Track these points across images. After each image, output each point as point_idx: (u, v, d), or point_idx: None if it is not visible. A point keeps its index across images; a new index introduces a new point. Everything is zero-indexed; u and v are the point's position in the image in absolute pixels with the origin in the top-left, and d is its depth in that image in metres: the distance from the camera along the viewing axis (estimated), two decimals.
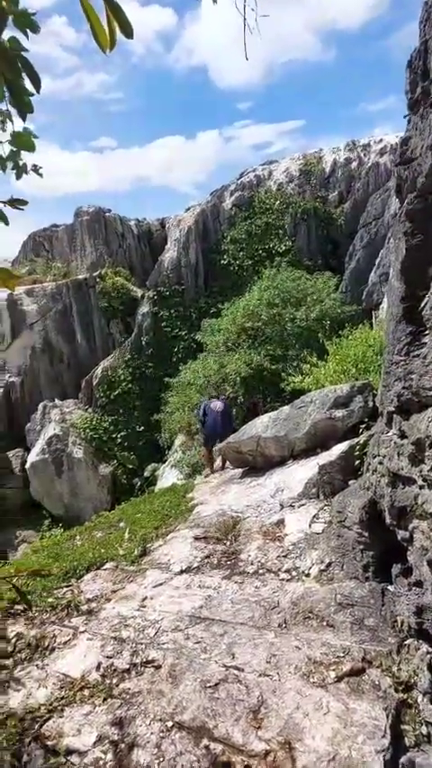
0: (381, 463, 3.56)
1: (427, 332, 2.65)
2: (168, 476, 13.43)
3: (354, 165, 22.62)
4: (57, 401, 17.54)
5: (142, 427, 16.98)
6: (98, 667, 3.34)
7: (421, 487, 3.03)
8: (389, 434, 3.39)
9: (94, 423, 16.77)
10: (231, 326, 13.74)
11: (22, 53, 1.82)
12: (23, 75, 1.77)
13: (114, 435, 16.85)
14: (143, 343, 19.17)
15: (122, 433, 16.93)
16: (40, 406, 17.13)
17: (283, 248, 20.31)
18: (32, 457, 15.41)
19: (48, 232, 25.94)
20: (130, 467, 16.19)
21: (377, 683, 2.90)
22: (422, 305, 2.73)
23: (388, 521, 3.53)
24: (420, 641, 3.06)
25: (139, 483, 15.38)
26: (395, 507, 3.35)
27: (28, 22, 2.02)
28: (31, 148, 2.21)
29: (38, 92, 1.77)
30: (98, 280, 20.68)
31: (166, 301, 20.04)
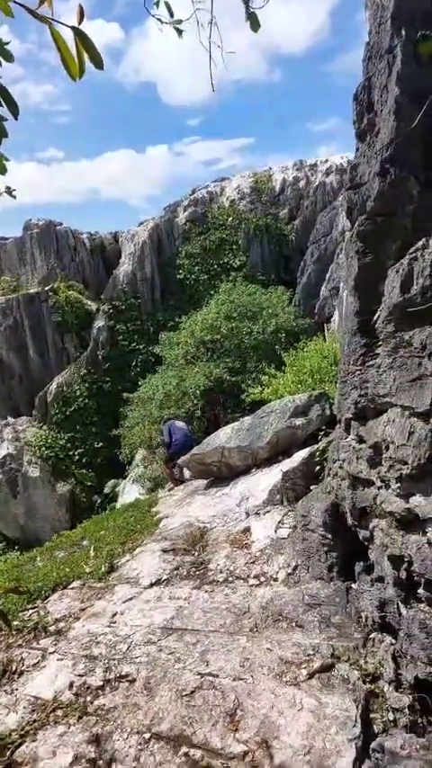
0: (341, 467, 3.76)
1: (380, 343, 2.87)
2: (130, 491, 13.26)
3: (302, 183, 23.59)
4: (9, 419, 16.95)
5: (101, 443, 16.69)
6: (71, 686, 3.29)
7: (379, 488, 3.24)
8: (347, 440, 3.60)
9: (49, 440, 16.32)
10: (190, 340, 13.87)
11: None
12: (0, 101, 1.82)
13: (72, 453, 16.46)
14: (99, 357, 18.94)
15: (80, 450, 16.57)
16: None
17: (238, 263, 20.80)
18: None
19: None
20: (89, 484, 15.84)
21: (346, 676, 3.05)
22: (374, 318, 2.96)
23: (350, 522, 3.72)
24: (384, 634, 3.24)
25: (99, 500, 15.07)
26: (356, 508, 3.55)
27: (2, 52, 2.09)
28: (2, 171, 2.24)
29: (15, 118, 1.82)
30: (50, 294, 20.31)
31: (122, 315, 19.95)
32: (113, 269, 21.97)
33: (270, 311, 13.95)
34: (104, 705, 3.12)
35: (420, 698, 2.85)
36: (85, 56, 1.62)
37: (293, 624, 3.58)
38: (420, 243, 2.46)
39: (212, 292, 16.97)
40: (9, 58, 2.14)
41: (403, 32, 2.92)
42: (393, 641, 3.14)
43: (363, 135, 3.08)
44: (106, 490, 15.22)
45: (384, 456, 2.93)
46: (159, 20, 2.67)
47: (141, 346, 19.03)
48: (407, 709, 2.82)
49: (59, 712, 3.08)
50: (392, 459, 2.80)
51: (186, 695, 3.05)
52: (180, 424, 9.40)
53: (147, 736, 2.85)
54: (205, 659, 3.36)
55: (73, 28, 1.55)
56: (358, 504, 3.51)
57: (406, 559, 2.89)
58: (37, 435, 16.34)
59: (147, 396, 13.76)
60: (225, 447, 6.41)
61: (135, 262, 21.06)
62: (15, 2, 1.79)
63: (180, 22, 2.66)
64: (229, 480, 6.61)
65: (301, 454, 5.47)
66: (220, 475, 6.84)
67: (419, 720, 2.78)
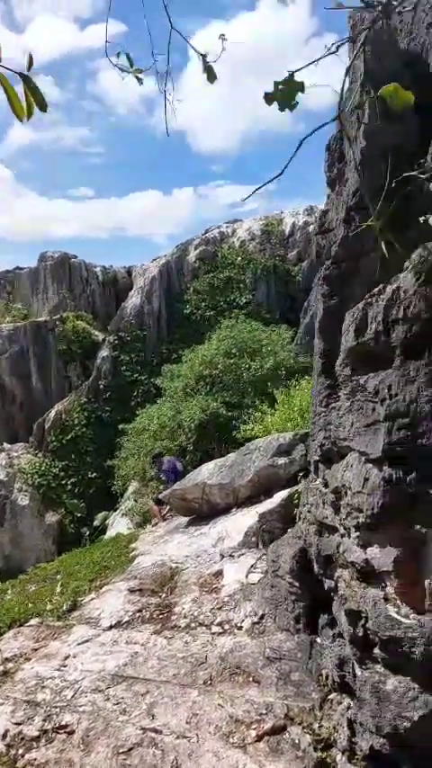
0: (309, 511, 3.62)
1: (341, 386, 2.81)
2: (118, 525, 12.95)
3: (311, 227, 24.14)
4: (5, 445, 16.87)
5: (95, 473, 16.47)
6: (4, 736, 3.08)
7: (342, 536, 3.09)
8: (315, 483, 3.48)
9: (43, 468, 16.15)
10: (189, 373, 13.88)
11: None
12: None
13: (64, 482, 16.23)
14: (101, 386, 18.98)
15: (73, 480, 16.34)
16: None
17: (244, 301, 21.06)
18: None
19: (10, 275, 25.94)
20: (79, 515, 15.53)
21: (297, 741, 2.82)
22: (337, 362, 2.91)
23: (316, 570, 3.54)
24: (343, 695, 3.01)
25: (88, 532, 14.70)
26: (321, 556, 3.39)
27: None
28: None
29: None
30: (58, 323, 20.62)
31: (126, 346, 20.11)
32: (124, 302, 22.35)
33: (269, 348, 13.96)
34: (35, 760, 2.90)
35: None
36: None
37: (250, 679, 3.36)
38: (377, 289, 2.43)
39: (218, 328, 17.11)
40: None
41: (372, 92, 3.02)
42: (352, 704, 2.91)
43: (333, 183, 3.13)
44: (96, 522, 14.88)
45: (342, 502, 2.81)
46: (120, 69, 2.75)
47: (144, 377, 19.07)
48: None
49: None
50: (350, 506, 2.68)
51: (123, 752, 2.83)
52: (178, 464, 9.36)
53: None
54: (152, 712, 3.14)
55: (20, 74, 1.58)
56: (323, 552, 3.35)
57: (363, 615, 2.72)
58: (31, 463, 16.20)
59: (142, 427, 13.67)
60: (206, 483, 6.26)
61: (143, 295, 21.43)
62: None
63: (141, 71, 2.72)
64: (210, 518, 6.42)
65: (281, 495, 5.31)
66: (202, 512, 6.65)
67: None
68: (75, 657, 3.85)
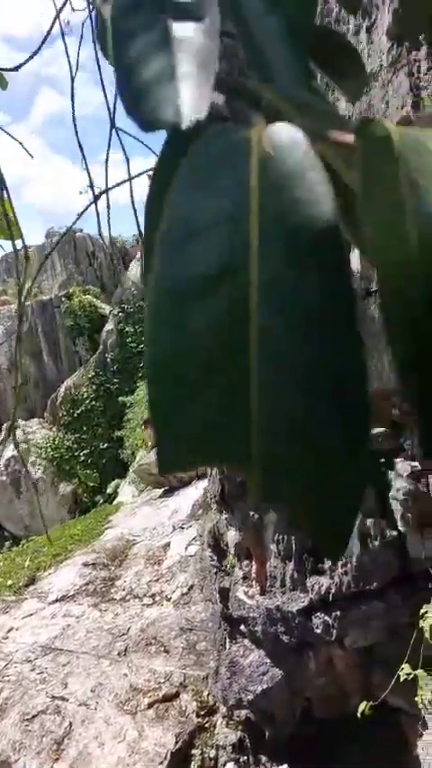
0: None
1: None
2: (125, 492, 13.46)
3: None
4: (20, 421, 17.58)
5: (106, 444, 17.02)
6: None
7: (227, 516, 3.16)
8: None
9: (56, 442, 16.82)
10: None
11: None
12: None
13: (77, 453, 16.88)
14: (108, 359, 19.28)
15: (85, 451, 16.97)
16: (4, 428, 17.16)
17: None
18: None
19: (20, 253, 26.17)
20: (92, 484, 16.21)
21: (184, 708, 3.01)
22: None
23: (223, 546, 3.65)
24: None
25: (101, 500, 15.38)
26: (219, 533, 3.48)
27: None
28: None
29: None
30: (64, 299, 20.85)
31: (131, 317, 20.19)
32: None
33: None
34: None
35: (251, 734, 2.79)
36: None
37: (162, 649, 3.57)
38: None
39: None
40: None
41: None
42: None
43: None
44: (109, 490, 15.50)
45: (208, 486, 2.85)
46: None
47: None
48: (230, 747, 2.76)
49: None
50: (207, 491, 2.72)
51: (28, 719, 3.10)
52: None
53: None
54: (66, 681, 3.40)
55: None
56: (219, 530, 3.44)
57: (230, 592, 2.82)
58: (45, 437, 16.88)
59: (140, 398, 13.92)
60: None
61: (142, 264, 21.29)
62: None
63: None
64: (177, 490, 6.61)
65: None
66: (171, 485, 6.84)
67: (242, 759, 2.72)
68: (17, 630, 4.17)
